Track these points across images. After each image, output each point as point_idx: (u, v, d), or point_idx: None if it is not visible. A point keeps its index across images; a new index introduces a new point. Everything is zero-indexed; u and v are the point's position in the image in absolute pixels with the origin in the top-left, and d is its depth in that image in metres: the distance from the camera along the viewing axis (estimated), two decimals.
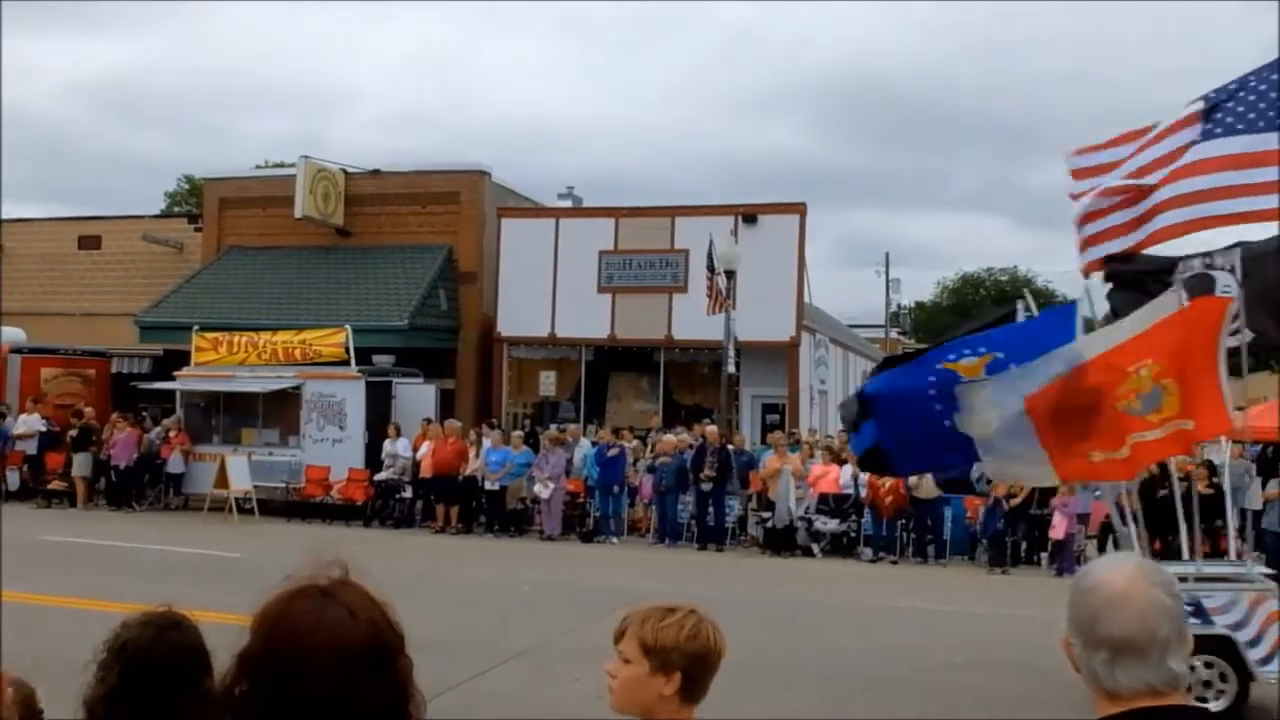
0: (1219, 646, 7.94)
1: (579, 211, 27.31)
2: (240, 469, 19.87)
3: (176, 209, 45.99)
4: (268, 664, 1.54)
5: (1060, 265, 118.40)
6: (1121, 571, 1.84)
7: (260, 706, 1.53)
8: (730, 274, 20.83)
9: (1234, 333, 7.82)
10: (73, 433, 21.28)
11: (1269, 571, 8.89)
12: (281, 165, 32.81)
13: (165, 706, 2.31)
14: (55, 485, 21.28)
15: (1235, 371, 8.04)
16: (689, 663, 2.25)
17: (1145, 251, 8.49)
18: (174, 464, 21.03)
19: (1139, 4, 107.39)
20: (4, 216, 30.74)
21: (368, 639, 1.56)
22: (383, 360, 21.90)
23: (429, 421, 20.37)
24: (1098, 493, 17.85)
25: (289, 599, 1.59)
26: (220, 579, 11.81)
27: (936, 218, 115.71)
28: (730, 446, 18.64)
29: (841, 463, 18.24)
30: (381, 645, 1.58)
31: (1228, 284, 8.16)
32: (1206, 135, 7.93)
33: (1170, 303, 7.63)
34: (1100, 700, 1.81)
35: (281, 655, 1.54)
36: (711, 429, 18.96)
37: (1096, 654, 1.78)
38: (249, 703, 1.54)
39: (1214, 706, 7.81)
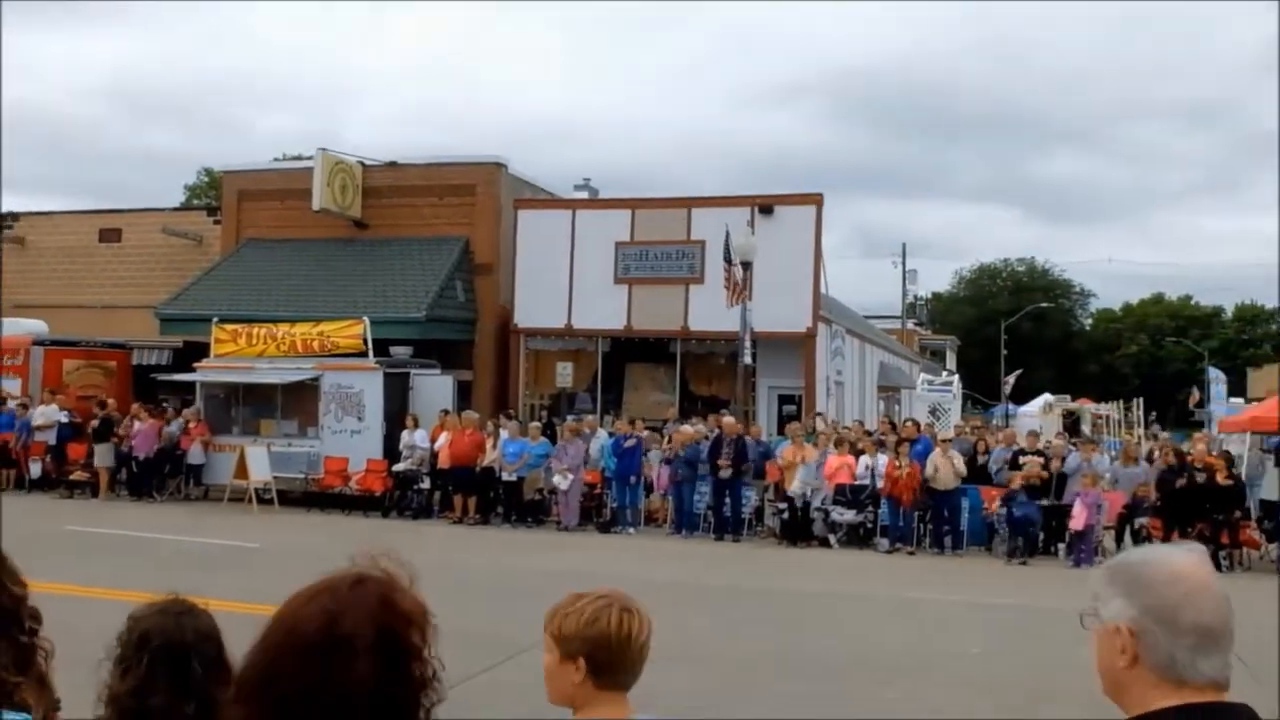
0: None
1: (595, 203, 27.31)
2: (259, 460, 19.99)
3: (196, 202, 46.25)
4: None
5: (1075, 255, 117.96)
6: (1194, 560, 1.87)
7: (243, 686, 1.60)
8: (747, 265, 20.82)
9: None
10: (94, 423, 21.45)
11: None
12: (299, 158, 32.92)
13: (195, 691, 2.34)
14: (78, 476, 21.45)
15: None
16: (590, 649, 2.25)
17: None
18: (194, 455, 21.14)
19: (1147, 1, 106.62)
20: (26, 210, 31.00)
21: (311, 627, 1.55)
22: (400, 352, 21.97)
23: (446, 413, 20.41)
24: (1116, 483, 17.84)
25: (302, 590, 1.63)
26: (241, 569, 11.92)
27: (950, 209, 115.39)
28: (747, 438, 18.64)
29: (858, 453, 18.21)
30: (335, 640, 1.53)
31: None
32: None
33: None
34: (1157, 688, 1.80)
35: (260, 642, 1.59)
36: (728, 420, 18.95)
37: (1180, 641, 1.79)
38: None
39: None
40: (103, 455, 21.24)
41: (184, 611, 2.47)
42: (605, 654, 2.26)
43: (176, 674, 2.35)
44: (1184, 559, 1.87)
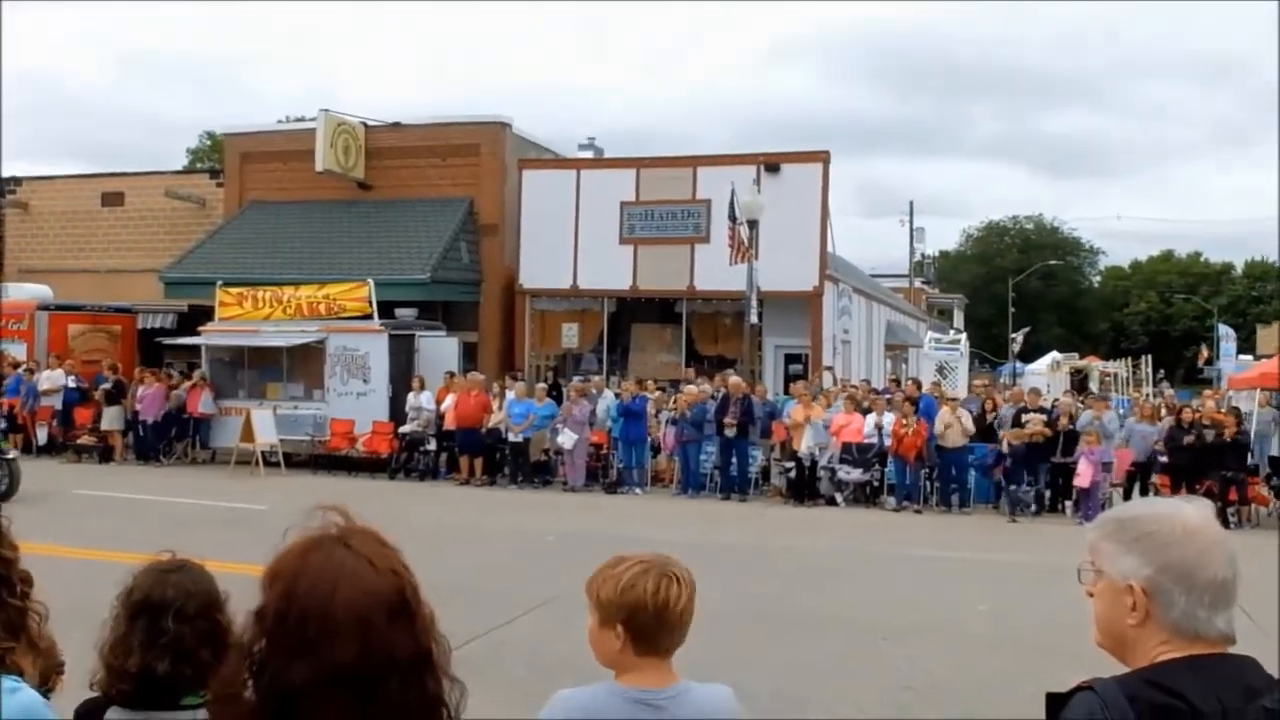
0: None
1: (600, 162, 27.12)
2: (266, 423, 20.01)
3: (199, 165, 46.06)
4: (290, 622, 1.49)
5: (1084, 213, 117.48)
6: (1202, 514, 1.83)
7: (284, 664, 1.48)
8: (753, 224, 20.70)
9: None
10: (107, 386, 21.45)
11: None
12: (302, 120, 32.70)
13: (173, 646, 2.35)
14: (86, 440, 21.50)
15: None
16: (627, 616, 2.23)
17: None
18: (205, 404, 21.07)
19: None
20: (28, 175, 30.89)
21: (391, 589, 1.53)
22: (405, 313, 21.91)
23: (452, 374, 20.42)
24: (1129, 441, 17.80)
25: (304, 553, 1.54)
26: (248, 532, 11.94)
27: (957, 166, 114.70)
28: (753, 397, 18.60)
29: (865, 412, 18.18)
30: (405, 594, 1.55)
31: None
32: None
33: None
34: (1168, 644, 1.76)
35: (305, 612, 1.49)
36: (734, 379, 18.92)
37: (1199, 599, 1.75)
38: (272, 660, 1.50)
39: None
40: (114, 418, 21.28)
41: (173, 569, 2.48)
42: (646, 620, 2.24)
43: (151, 630, 2.37)
44: (1193, 514, 1.82)
